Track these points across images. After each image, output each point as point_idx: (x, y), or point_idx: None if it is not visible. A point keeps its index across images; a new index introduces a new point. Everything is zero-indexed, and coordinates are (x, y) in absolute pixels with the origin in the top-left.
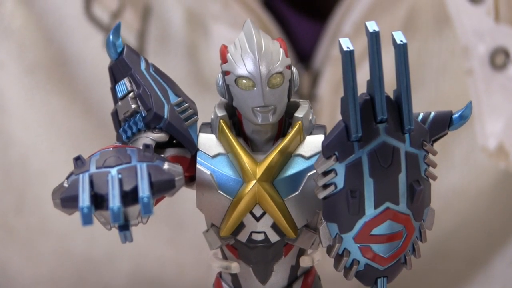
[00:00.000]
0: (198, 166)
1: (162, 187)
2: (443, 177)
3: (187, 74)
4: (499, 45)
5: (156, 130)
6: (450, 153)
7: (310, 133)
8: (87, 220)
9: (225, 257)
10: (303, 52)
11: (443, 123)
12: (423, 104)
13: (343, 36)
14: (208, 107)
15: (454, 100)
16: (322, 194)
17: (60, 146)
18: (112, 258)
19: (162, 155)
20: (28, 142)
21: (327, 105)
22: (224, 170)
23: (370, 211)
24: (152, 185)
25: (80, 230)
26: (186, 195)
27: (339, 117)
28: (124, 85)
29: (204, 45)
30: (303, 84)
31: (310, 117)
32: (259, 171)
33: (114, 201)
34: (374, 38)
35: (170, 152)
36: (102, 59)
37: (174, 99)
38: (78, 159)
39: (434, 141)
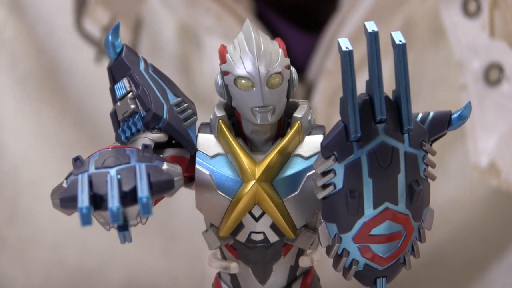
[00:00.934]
0: (197, 166)
1: (161, 188)
2: (438, 188)
3: (179, 87)
4: (494, 61)
5: (155, 130)
6: (446, 165)
7: (309, 133)
8: (86, 220)
9: (224, 257)
10: (297, 64)
11: (442, 123)
12: None
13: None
14: (201, 119)
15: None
16: (321, 194)
17: (52, 157)
18: (105, 269)
19: (161, 155)
20: (19, 153)
21: (322, 117)
22: (223, 170)
23: (369, 211)
24: (151, 185)
25: (73, 240)
26: (180, 206)
27: None
28: (123, 85)
29: (196, 58)
30: (297, 96)
31: (309, 117)
32: (258, 171)
33: (113, 201)
34: (373, 38)
35: (169, 152)
36: (94, 70)
37: (173, 99)
38: (77, 160)
39: (433, 141)
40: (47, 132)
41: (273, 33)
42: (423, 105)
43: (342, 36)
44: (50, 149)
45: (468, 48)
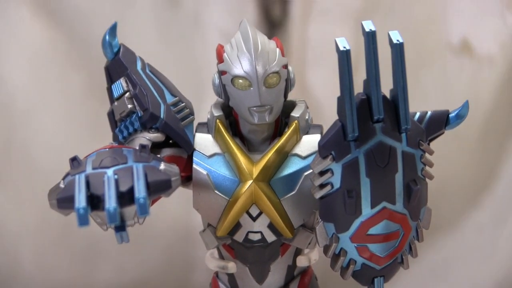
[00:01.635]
0: (194, 166)
1: (158, 188)
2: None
3: None
4: None
5: (152, 130)
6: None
7: (307, 133)
8: (83, 221)
9: (221, 257)
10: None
11: (440, 123)
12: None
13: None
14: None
15: (428, 24)
16: (318, 194)
17: (46, 79)
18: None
19: (159, 155)
20: (15, 81)
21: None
22: (220, 170)
23: (366, 210)
24: (148, 185)
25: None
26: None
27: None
28: (120, 85)
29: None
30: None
31: (307, 117)
32: (256, 171)
33: (111, 201)
34: (370, 38)
35: (166, 152)
36: None
37: (170, 99)
38: (74, 160)
39: (431, 140)
40: (41, 55)
41: None
42: (400, 19)
43: None
44: (45, 71)
45: None
